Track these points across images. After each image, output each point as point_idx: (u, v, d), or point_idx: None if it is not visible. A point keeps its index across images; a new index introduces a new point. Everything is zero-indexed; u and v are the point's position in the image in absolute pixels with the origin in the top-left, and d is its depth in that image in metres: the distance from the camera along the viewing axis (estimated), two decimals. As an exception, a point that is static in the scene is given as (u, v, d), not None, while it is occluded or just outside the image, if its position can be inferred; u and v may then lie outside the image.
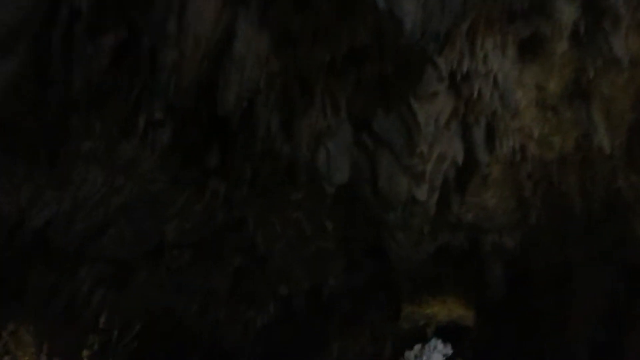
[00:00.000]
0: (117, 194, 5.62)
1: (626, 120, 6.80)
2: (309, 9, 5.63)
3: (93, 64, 5.26)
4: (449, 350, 25.03)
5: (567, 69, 6.80)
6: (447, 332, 16.80)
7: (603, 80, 6.66)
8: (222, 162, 5.85)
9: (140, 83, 5.70)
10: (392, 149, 6.71)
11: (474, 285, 10.59)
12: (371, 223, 8.09)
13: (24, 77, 5.16)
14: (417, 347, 26.34)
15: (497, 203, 7.27)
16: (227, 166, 5.86)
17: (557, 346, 8.53)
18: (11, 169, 5.55)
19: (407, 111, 6.50)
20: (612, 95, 6.70)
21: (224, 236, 7.04)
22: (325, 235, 8.29)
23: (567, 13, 6.15)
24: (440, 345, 27.47)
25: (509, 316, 10.04)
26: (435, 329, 15.57)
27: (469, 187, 6.53)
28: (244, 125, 6.04)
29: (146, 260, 6.19)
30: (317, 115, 6.23)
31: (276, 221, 7.46)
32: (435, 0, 5.84)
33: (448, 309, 14.27)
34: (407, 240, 8.50)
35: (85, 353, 6.33)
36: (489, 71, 6.39)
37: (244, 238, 7.39)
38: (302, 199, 7.24)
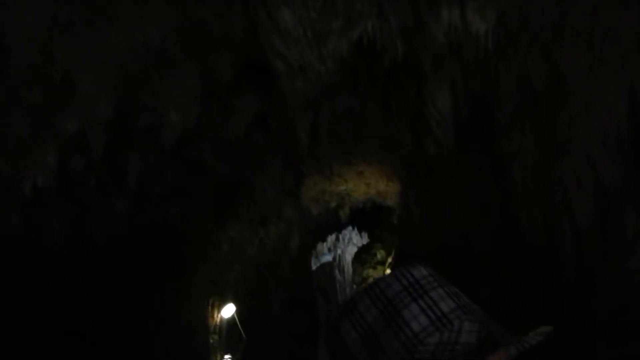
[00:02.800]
0: None
1: None
2: None
3: None
4: (365, 241, 22.22)
5: None
6: (364, 215, 13.40)
7: None
8: None
9: None
10: None
11: (405, 133, 6.85)
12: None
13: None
14: (331, 239, 23.36)
15: None
16: None
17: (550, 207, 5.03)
18: None
19: None
20: None
21: None
22: (140, 10, 3.85)
23: None
24: (355, 236, 24.73)
25: (451, 176, 6.53)
26: (350, 211, 12.11)
27: None
28: None
29: None
30: None
31: None
32: None
33: (365, 184, 10.74)
34: (300, 27, 4.31)
35: None
36: None
37: None
38: None
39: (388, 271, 11.34)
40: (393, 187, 10.52)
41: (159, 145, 5.31)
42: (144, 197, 5.96)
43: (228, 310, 12.91)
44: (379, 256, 12.31)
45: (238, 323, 12.94)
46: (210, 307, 12.52)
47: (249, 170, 6.68)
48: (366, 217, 13.30)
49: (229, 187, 6.72)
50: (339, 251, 21.96)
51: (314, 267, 19.80)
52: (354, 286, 15.66)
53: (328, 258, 21.76)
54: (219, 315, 12.91)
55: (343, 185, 10.73)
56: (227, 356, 12.24)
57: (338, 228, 16.81)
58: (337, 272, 22.39)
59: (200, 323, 10.48)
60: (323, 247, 20.99)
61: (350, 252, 21.15)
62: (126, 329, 6.95)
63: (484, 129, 5.99)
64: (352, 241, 21.68)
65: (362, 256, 12.68)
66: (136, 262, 6.71)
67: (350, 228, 20.82)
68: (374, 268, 12.01)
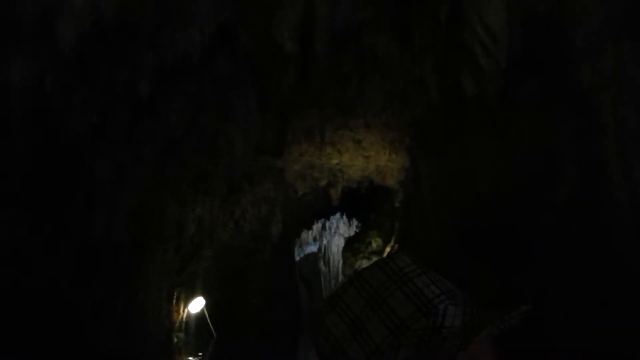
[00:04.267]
0: None
1: None
2: None
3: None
4: (353, 231, 20.15)
5: None
6: (358, 197, 11.18)
7: None
8: None
9: None
10: None
11: (427, 76, 4.79)
12: None
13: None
14: (317, 227, 21.25)
15: None
16: None
17: None
18: None
19: None
20: None
21: None
22: None
23: None
24: (342, 225, 22.71)
25: (495, 128, 4.49)
26: (343, 191, 9.89)
27: None
28: None
29: None
30: None
31: None
32: None
33: (364, 157, 8.62)
34: None
35: None
36: None
37: None
38: None
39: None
40: (397, 162, 8.50)
41: (55, 47, 3.17)
42: (43, 137, 3.82)
43: (196, 304, 10.85)
44: (374, 245, 10.27)
45: (208, 318, 10.89)
46: (175, 301, 10.44)
47: (210, 112, 4.57)
48: (360, 200, 11.26)
49: (183, 138, 4.61)
50: (324, 241, 20.01)
51: (297, 258, 17.85)
52: (343, 278, 13.57)
53: (313, 248, 19.80)
54: (186, 310, 10.83)
55: (336, 158, 8.67)
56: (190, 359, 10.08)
57: (326, 214, 14.81)
58: (321, 263, 20.42)
59: (158, 319, 8.35)
60: (308, 235, 19.00)
61: (336, 242, 19.26)
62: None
63: (551, 55, 3.98)
64: (338, 231, 19.75)
65: (355, 245, 10.63)
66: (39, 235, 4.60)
67: (338, 216, 18.83)
68: (368, 259, 9.98)
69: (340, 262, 17.68)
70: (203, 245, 10.26)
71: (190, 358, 9.69)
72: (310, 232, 18.04)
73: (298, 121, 6.41)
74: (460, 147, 5.69)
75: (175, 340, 10.27)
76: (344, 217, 17.16)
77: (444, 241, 6.34)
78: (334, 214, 16.26)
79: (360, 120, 7.05)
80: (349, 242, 11.27)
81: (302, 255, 19.32)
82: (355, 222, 16.75)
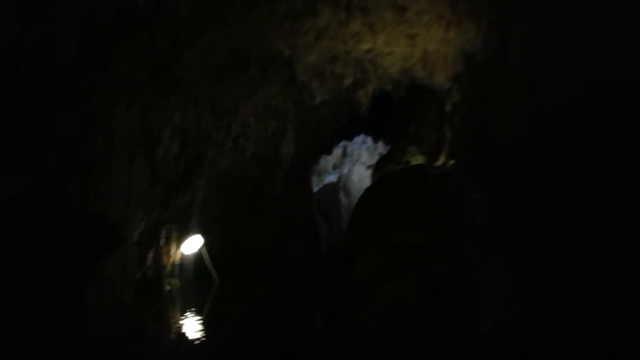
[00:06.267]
0: None
1: None
2: None
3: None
4: (375, 159, 17.32)
5: None
6: (389, 104, 8.36)
7: None
8: None
9: None
10: None
11: None
12: None
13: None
14: (337, 152, 18.67)
15: None
16: None
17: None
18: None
19: None
20: None
21: None
22: None
23: None
24: (365, 153, 19.98)
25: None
26: (374, 94, 7.14)
27: None
28: None
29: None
30: None
31: None
32: None
33: (407, 38, 5.89)
34: None
35: None
36: None
37: None
38: None
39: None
40: (454, 44, 5.83)
41: None
42: None
43: (192, 244, 8.71)
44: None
45: (207, 261, 8.82)
46: (164, 240, 8.30)
47: None
48: (392, 109, 8.66)
49: None
50: (345, 170, 17.59)
51: (315, 189, 15.52)
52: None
53: (333, 178, 17.44)
54: (179, 252, 8.71)
55: (368, 42, 6.03)
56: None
57: (349, 134, 12.27)
58: (342, 194, 18.04)
59: (123, 271, 6.15)
60: (326, 163, 16.59)
61: (357, 172, 16.88)
62: None
63: None
64: (360, 160, 17.28)
65: (388, 167, 8.18)
66: None
67: (361, 139, 16.33)
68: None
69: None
70: (192, 173, 7.93)
71: (187, 313, 7.52)
72: (329, 157, 15.57)
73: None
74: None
75: (168, 288, 8.19)
76: (368, 140, 14.61)
77: (544, 152, 3.85)
78: (357, 133, 13.68)
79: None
80: (380, 163, 8.80)
81: (321, 185, 17.02)
82: (382, 146, 14.24)
